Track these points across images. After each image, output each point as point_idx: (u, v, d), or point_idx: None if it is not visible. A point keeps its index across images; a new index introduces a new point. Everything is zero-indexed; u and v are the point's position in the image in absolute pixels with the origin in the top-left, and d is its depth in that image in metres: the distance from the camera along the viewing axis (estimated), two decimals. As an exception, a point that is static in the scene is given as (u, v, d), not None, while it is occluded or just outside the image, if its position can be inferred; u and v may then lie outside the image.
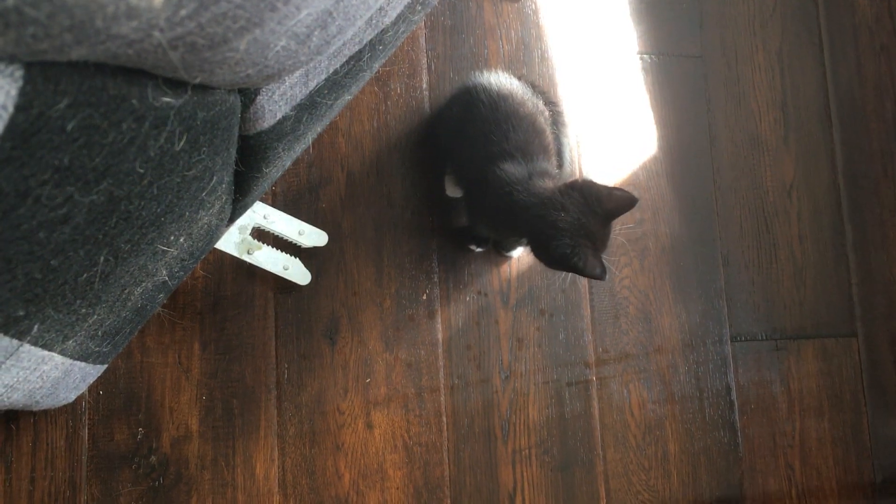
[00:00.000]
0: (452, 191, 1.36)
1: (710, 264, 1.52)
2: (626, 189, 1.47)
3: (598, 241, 1.09)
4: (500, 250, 1.39)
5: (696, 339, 1.49)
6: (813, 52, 1.66)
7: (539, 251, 1.13)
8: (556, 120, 1.32)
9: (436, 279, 1.37)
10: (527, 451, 1.35)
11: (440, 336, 1.35)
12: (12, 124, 0.40)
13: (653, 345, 1.46)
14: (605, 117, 1.52)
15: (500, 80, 1.26)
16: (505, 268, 1.41)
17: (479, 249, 1.37)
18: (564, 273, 1.40)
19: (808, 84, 1.65)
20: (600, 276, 1.06)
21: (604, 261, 1.08)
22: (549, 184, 1.12)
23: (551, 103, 1.33)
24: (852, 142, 1.62)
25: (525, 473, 1.35)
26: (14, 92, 0.39)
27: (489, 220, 1.25)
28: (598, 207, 1.08)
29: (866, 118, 1.59)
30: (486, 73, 1.28)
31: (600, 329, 1.44)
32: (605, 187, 1.09)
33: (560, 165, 1.29)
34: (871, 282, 1.58)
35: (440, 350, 1.35)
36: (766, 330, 1.53)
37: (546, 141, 1.21)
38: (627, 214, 1.46)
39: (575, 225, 1.06)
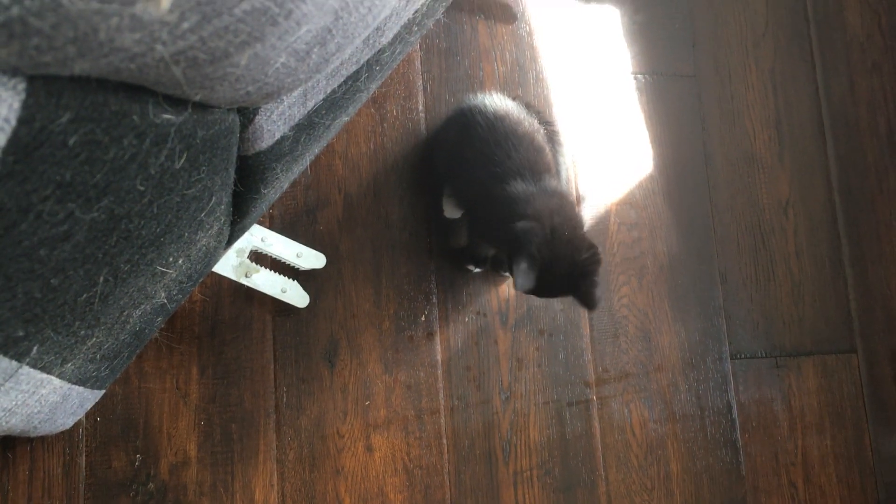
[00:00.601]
0: (451, 212, 1.36)
1: (708, 282, 1.52)
2: (623, 207, 1.48)
3: (552, 281, 1.10)
4: (498, 270, 1.39)
5: (695, 357, 1.48)
6: (805, 70, 1.68)
7: (498, 230, 1.15)
8: (553, 139, 1.33)
9: (434, 300, 1.36)
10: (528, 472, 1.34)
11: (439, 357, 1.35)
12: (15, 137, 0.40)
13: (653, 363, 1.46)
14: (601, 137, 1.53)
15: (495, 101, 1.27)
16: (503, 288, 1.40)
17: (477, 270, 1.37)
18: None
19: (801, 102, 1.66)
20: (521, 286, 1.05)
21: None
22: (582, 234, 1.15)
23: (547, 123, 1.34)
24: (847, 158, 1.63)
25: (527, 495, 1.34)
26: (17, 105, 0.39)
27: (493, 240, 1.25)
28: (573, 270, 1.10)
29: (860, 134, 1.60)
30: (479, 96, 1.29)
31: (600, 348, 1.43)
32: (594, 281, 1.10)
33: None
34: (870, 297, 1.58)
35: (440, 371, 1.34)
36: (765, 347, 1.53)
37: (548, 159, 1.22)
38: (625, 232, 1.47)
39: (551, 255, 1.08)
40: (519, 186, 1.15)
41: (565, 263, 1.10)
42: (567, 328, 1.42)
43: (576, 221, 1.15)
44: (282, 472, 1.24)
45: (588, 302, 1.10)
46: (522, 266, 1.04)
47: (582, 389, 1.41)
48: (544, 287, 1.10)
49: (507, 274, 1.39)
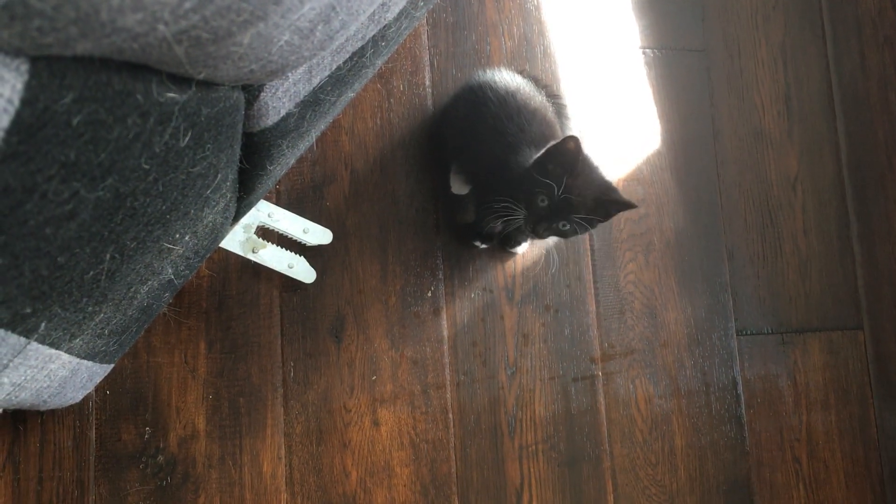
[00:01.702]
0: (459, 188, 1.36)
1: (714, 258, 1.52)
2: (630, 183, 1.48)
3: (583, 201, 1.10)
4: (504, 247, 1.39)
5: (701, 333, 1.49)
6: (816, 44, 1.66)
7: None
8: (560, 113, 1.32)
9: (441, 276, 1.37)
10: (533, 446, 1.35)
11: (446, 333, 1.35)
12: (18, 118, 0.40)
13: (658, 340, 1.46)
14: (609, 112, 1.52)
15: (504, 77, 1.26)
16: (510, 264, 1.40)
17: (483, 246, 1.37)
18: (569, 268, 1.41)
19: (811, 77, 1.65)
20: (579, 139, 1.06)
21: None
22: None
23: (554, 96, 1.34)
24: (856, 134, 1.62)
25: (532, 469, 1.35)
26: (20, 86, 0.39)
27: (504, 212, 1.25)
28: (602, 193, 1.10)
29: (870, 110, 1.59)
30: (488, 72, 1.29)
31: (606, 324, 1.43)
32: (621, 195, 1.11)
33: None
34: (877, 274, 1.57)
35: (446, 347, 1.35)
36: (771, 324, 1.53)
37: (558, 134, 1.22)
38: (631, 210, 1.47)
39: (584, 175, 1.09)
40: (533, 153, 1.14)
41: (593, 185, 1.10)
42: (573, 304, 1.42)
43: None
44: (289, 446, 1.25)
45: (625, 201, 1.11)
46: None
47: (587, 365, 1.41)
48: (579, 199, 1.09)
49: (514, 250, 1.39)
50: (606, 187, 1.11)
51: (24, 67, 0.39)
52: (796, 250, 1.57)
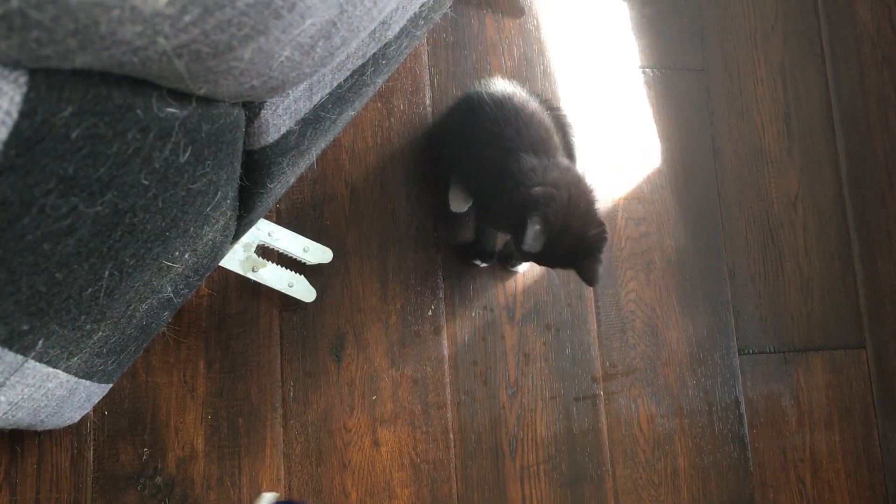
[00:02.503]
0: (457, 206, 1.35)
1: (716, 277, 1.52)
2: (631, 201, 1.47)
3: (557, 250, 1.09)
4: (505, 265, 1.38)
5: (703, 352, 1.48)
6: (815, 63, 1.67)
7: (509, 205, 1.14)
8: (561, 122, 1.31)
9: (441, 295, 1.36)
10: (535, 467, 1.34)
11: (446, 352, 1.34)
12: (17, 131, 0.39)
13: (660, 359, 1.45)
14: (609, 131, 1.52)
15: (499, 84, 1.26)
16: (510, 283, 1.40)
17: (484, 265, 1.37)
18: (570, 287, 1.41)
19: (810, 96, 1.65)
20: (530, 246, 1.04)
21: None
22: (594, 210, 1.14)
23: (554, 108, 1.33)
24: (856, 152, 1.62)
25: (533, 490, 1.33)
26: (18, 98, 0.39)
27: (503, 219, 1.24)
28: (580, 244, 1.10)
29: (870, 129, 1.59)
30: (484, 82, 1.29)
31: (607, 343, 1.43)
32: (598, 258, 1.11)
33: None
34: (879, 292, 1.57)
35: (446, 366, 1.34)
36: (773, 343, 1.52)
37: (556, 139, 1.21)
38: (632, 227, 1.47)
39: (563, 224, 1.07)
40: (533, 160, 1.14)
41: (574, 236, 1.09)
42: (574, 323, 1.42)
43: (591, 197, 1.15)
44: (289, 467, 1.24)
45: (590, 277, 1.10)
46: (536, 227, 1.03)
47: (589, 384, 1.40)
48: (548, 254, 1.09)
49: (515, 269, 1.39)
50: (591, 244, 1.11)
51: (23, 80, 0.39)
52: (798, 269, 1.57)
